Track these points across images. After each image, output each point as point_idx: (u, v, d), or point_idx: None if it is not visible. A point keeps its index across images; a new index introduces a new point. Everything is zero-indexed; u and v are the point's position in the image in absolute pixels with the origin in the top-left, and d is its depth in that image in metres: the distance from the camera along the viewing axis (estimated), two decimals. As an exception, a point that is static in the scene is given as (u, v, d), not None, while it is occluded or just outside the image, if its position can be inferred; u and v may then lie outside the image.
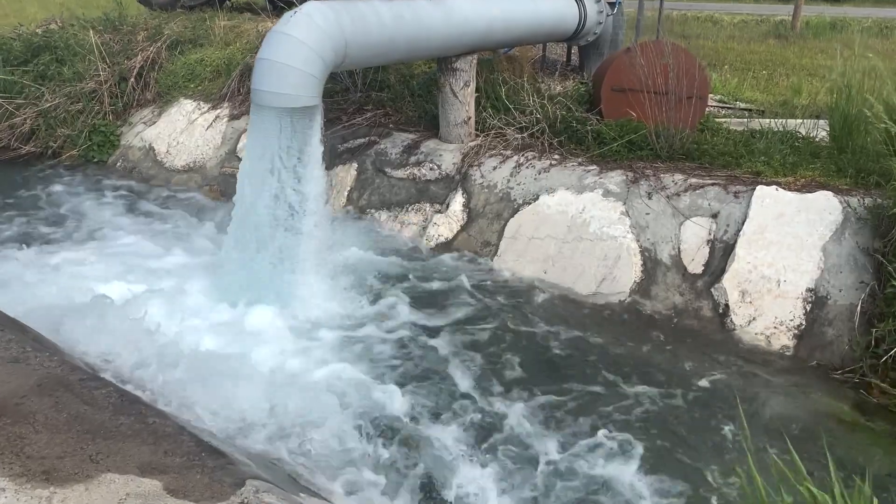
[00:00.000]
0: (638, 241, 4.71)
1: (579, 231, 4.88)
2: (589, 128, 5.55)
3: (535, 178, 5.25)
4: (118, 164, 7.08)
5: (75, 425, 2.04)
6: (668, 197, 4.78)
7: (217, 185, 6.40)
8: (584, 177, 5.12)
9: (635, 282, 4.61)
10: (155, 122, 7.20)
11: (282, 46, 4.05)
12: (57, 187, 6.49)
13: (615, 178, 5.02)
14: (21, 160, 7.08)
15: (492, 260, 5.07)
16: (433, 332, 4.21)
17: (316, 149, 4.32)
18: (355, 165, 5.92)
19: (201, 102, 7.13)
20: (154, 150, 6.98)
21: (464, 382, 3.74)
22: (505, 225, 5.16)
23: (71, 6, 13.09)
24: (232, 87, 6.99)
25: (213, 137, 6.80)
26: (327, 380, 3.57)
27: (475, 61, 5.63)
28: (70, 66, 7.41)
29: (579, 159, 5.33)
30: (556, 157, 5.42)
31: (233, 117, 6.80)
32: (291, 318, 4.10)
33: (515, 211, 5.17)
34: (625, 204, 4.85)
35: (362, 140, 6.09)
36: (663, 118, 5.31)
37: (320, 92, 4.20)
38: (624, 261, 4.68)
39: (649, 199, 4.82)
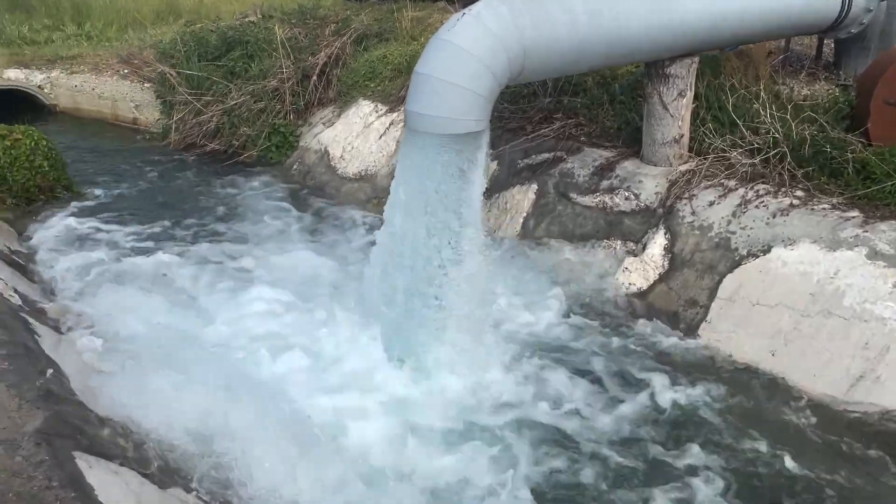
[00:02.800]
0: (919, 328, 3.32)
1: (828, 303, 3.57)
2: (850, 156, 4.13)
3: (767, 222, 3.98)
4: (294, 166, 6.78)
5: None
6: (973, 269, 3.32)
7: (386, 198, 5.80)
8: (839, 226, 3.77)
9: (912, 389, 3.25)
10: (333, 124, 6.79)
11: (443, 57, 3.23)
12: (222, 189, 6.29)
13: (888, 234, 3.62)
14: (207, 157, 7.04)
15: (698, 327, 3.92)
16: (611, 440, 3.23)
17: (479, 181, 3.49)
18: (535, 187, 5.00)
19: (379, 104, 6.58)
20: (329, 154, 6.57)
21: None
22: (720, 281, 3.97)
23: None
24: (411, 88, 6.34)
25: (387, 144, 6.22)
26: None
27: (695, 65, 4.42)
28: (258, 63, 7.24)
29: (833, 200, 3.96)
30: (800, 194, 4.08)
31: (409, 121, 6.16)
32: (426, 395, 3.34)
33: (736, 264, 3.96)
34: (901, 272, 3.46)
35: (546, 155, 5.14)
36: (968, 148, 3.77)
37: (488, 114, 3.34)
38: (895, 355, 3.32)
39: (942, 268, 3.39)
